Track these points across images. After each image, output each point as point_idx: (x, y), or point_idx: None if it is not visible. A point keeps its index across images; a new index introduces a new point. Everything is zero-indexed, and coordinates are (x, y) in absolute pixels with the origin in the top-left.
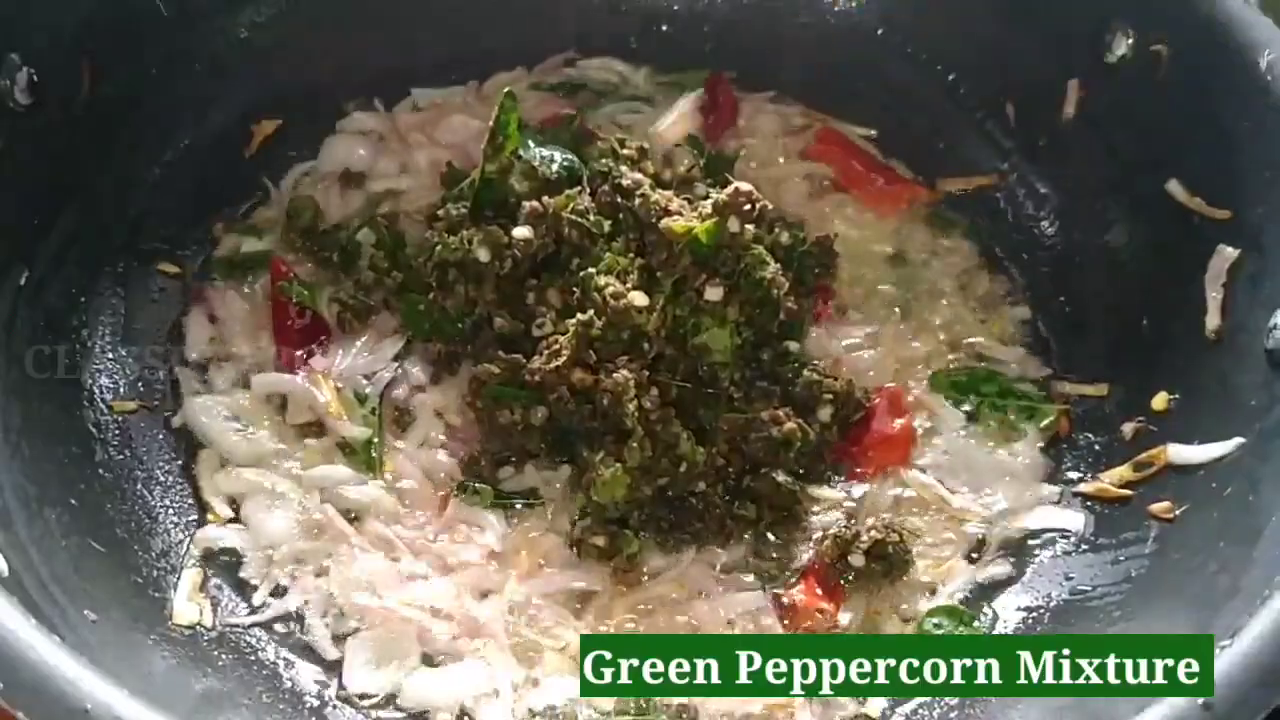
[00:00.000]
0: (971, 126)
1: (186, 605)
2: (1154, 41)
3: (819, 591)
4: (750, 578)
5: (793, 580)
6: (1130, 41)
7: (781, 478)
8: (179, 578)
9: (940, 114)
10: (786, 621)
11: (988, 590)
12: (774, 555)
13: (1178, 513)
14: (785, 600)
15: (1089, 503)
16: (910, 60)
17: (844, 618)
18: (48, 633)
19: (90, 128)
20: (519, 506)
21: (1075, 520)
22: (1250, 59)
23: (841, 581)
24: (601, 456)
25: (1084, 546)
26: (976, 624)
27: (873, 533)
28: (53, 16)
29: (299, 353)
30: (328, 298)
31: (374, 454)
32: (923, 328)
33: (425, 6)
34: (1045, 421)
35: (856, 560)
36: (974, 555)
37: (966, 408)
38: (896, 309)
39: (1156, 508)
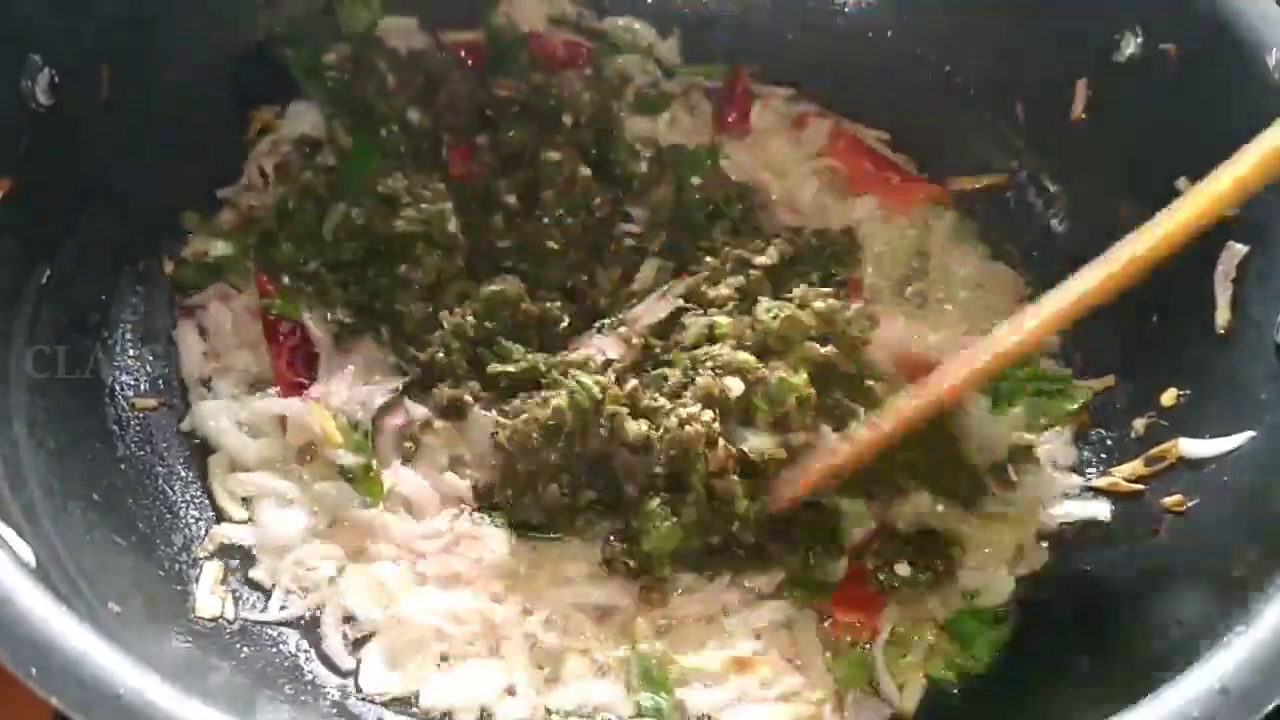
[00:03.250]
0: (981, 126)
1: (209, 598)
2: (1162, 41)
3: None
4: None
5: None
6: (1139, 41)
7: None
8: (200, 571)
9: (951, 114)
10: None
11: (1021, 586)
12: (812, 576)
13: (1189, 506)
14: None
15: (1101, 497)
16: (920, 61)
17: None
18: (79, 620)
19: (109, 128)
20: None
21: (1102, 510)
22: (1258, 57)
23: (882, 589)
24: (655, 506)
25: (1097, 540)
26: (999, 620)
27: (920, 540)
28: (72, 18)
29: (296, 376)
30: (310, 314)
31: (372, 479)
32: (941, 323)
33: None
34: (1074, 405)
35: (902, 569)
36: (1015, 558)
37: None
38: (915, 306)
39: (1168, 501)
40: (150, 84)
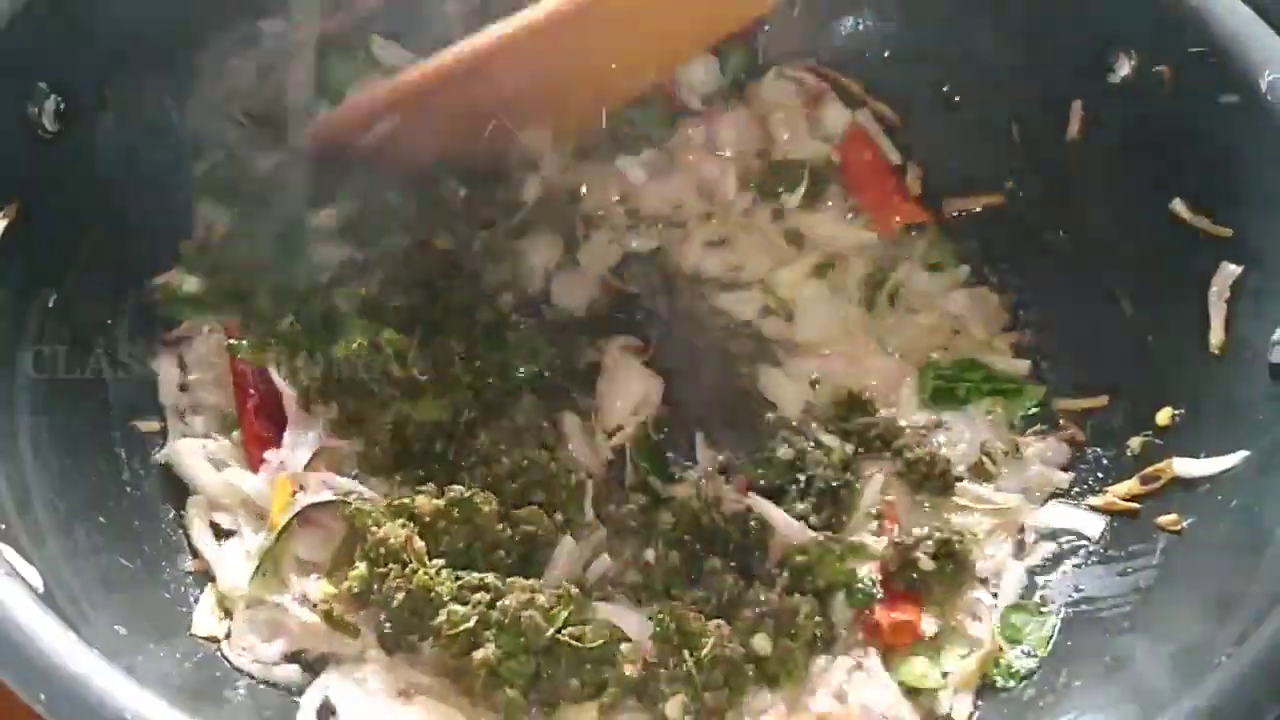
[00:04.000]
0: (978, 146)
1: (207, 618)
2: (1156, 62)
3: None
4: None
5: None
6: (1133, 63)
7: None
8: (201, 591)
9: (946, 134)
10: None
11: (1035, 576)
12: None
13: (1184, 525)
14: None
15: (1096, 514)
16: (917, 82)
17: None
18: (88, 645)
19: (115, 153)
20: None
21: (1093, 525)
22: (1251, 80)
23: (913, 586)
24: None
25: (1093, 558)
26: (1043, 610)
27: (937, 533)
28: (79, 46)
29: (263, 429)
30: (283, 370)
31: None
32: (918, 344)
33: None
34: (1031, 404)
35: (926, 564)
36: (1019, 548)
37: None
38: (886, 325)
39: (1163, 520)
40: (154, 111)
